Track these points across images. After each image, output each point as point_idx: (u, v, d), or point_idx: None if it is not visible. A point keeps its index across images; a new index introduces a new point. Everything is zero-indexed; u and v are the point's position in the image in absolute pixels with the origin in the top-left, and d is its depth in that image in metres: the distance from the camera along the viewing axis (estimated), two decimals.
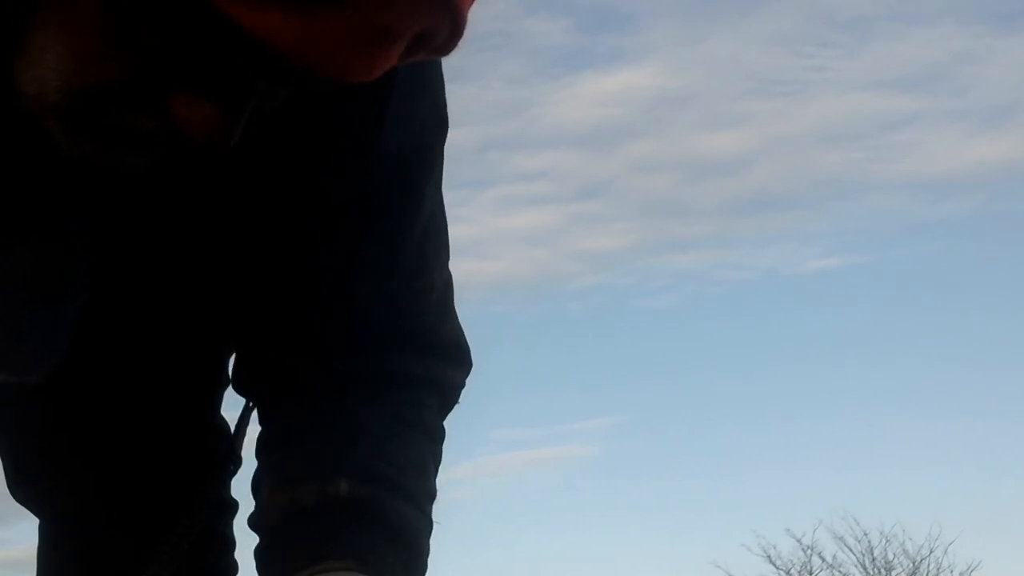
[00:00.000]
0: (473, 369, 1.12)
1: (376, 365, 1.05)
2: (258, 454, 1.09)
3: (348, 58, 0.74)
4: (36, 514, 1.21)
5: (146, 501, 1.16)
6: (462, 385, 1.11)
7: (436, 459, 1.09)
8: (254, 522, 1.06)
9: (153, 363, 1.12)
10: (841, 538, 17.70)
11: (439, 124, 1.04)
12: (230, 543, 1.21)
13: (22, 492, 1.19)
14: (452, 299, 1.09)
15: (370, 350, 1.05)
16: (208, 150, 0.77)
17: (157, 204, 0.99)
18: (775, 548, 17.46)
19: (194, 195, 1.00)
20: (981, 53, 22.51)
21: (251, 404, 1.11)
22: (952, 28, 22.01)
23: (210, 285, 1.07)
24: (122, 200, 0.97)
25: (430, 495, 1.07)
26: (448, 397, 1.10)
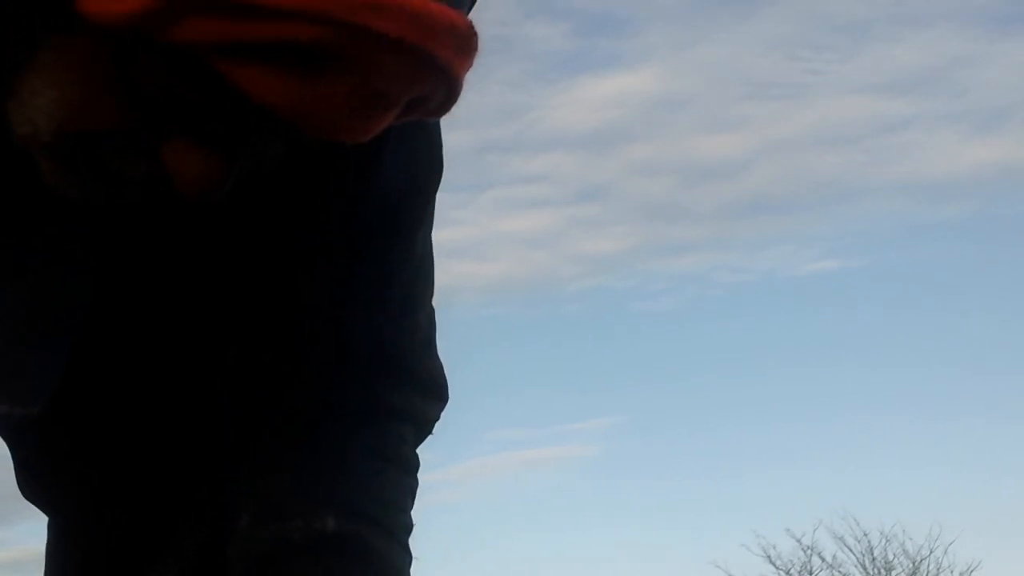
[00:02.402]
0: (457, 387, 1.15)
1: (361, 397, 1.07)
2: (237, 475, 1.10)
3: (343, 121, 0.75)
4: (44, 512, 1.22)
5: (151, 501, 1.17)
6: (437, 418, 1.15)
7: (412, 491, 1.13)
8: (233, 548, 1.07)
9: (157, 363, 1.13)
10: (841, 538, 17.77)
11: (435, 166, 1.06)
12: None
13: (29, 490, 1.21)
14: (434, 336, 1.12)
15: (356, 381, 1.07)
16: (198, 199, 0.79)
17: (156, 213, 1.00)
18: (775, 548, 17.54)
19: (193, 210, 1.01)
20: (978, 56, 22.59)
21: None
22: (948, 31, 22.07)
23: (210, 293, 1.08)
24: (122, 208, 0.97)
25: (407, 529, 1.11)
26: (423, 430, 1.14)
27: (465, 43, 0.75)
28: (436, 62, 0.74)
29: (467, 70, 0.77)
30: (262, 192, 0.99)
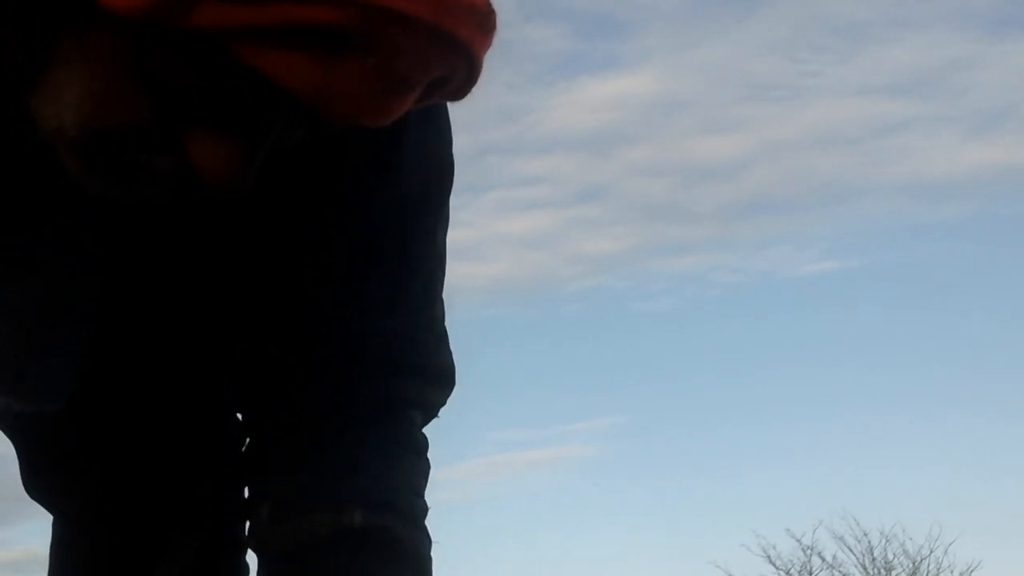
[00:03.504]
0: (457, 386, 1.16)
1: (373, 391, 1.08)
2: (250, 469, 1.11)
3: (365, 104, 0.75)
4: (48, 510, 1.22)
5: (156, 500, 1.17)
6: (444, 404, 1.15)
7: (425, 474, 1.13)
8: (257, 543, 1.08)
9: (163, 364, 1.13)
10: (841, 538, 17.67)
11: (447, 165, 1.07)
12: (241, 544, 1.22)
13: (33, 488, 1.21)
14: (445, 327, 1.13)
15: (368, 379, 1.07)
16: (223, 190, 0.79)
17: (170, 206, 1.01)
18: (775, 548, 17.42)
19: (206, 203, 1.01)
20: (975, 58, 22.54)
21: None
22: (946, 34, 22.02)
23: (217, 285, 1.08)
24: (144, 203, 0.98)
25: (424, 512, 1.11)
26: (430, 414, 1.14)
27: (484, 22, 0.75)
28: (456, 41, 0.74)
29: (487, 49, 0.77)
30: (275, 186, 0.99)
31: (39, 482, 1.20)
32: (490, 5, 0.76)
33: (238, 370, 1.10)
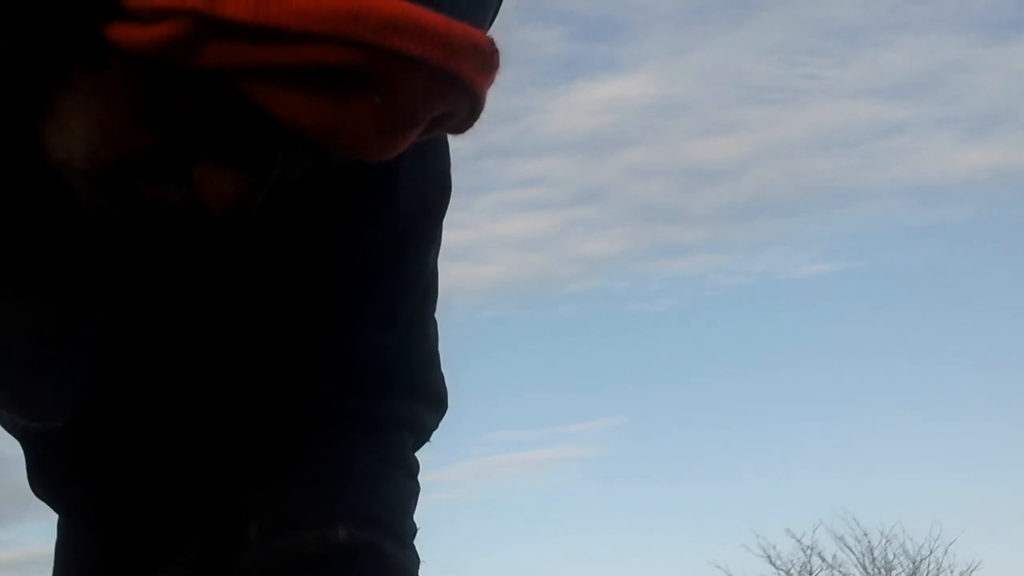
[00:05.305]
0: (454, 391, 1.17)
1: (365, 409, 1.09)
2: (241, 482, 1.11)
3: (370, 140, 0.77)
4: (55, 510, 1.23)
5: (162, 505, 1.17)
6: (436, 427, 1.16)
7: (416, 495, 1.14)
8: (247, 561, 1.08)
9: (168, 374, 1.14)
10: (841, 538, 17.66)
11: (444, 188, 1.08)
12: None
13: (41, 487, 1.21)
14: (438, 346, 1.14)
15: (360, 395, 1.09)
16: (229, 219, 0.81)
17: (172, 244, 1.01)
18: (775, 548, 17.43)
19: (208, 237, 1.01)
20: (971, 61, 22.55)
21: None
22: (942, 37, 22.05)
23: (221, 304, 1.08)
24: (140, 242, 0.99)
25: (413, 532, 1.12)
26: (422, 437, 1.16)
27: (487, 60, 0.77)
28: (459, 80, 0.76)
29: (489, 86, 0.79)
30: (276, 206, 1.00)
31: (46, 481, 1.21)
32: (493, 44, 0.77)
33: (241, 384, 1.11)
